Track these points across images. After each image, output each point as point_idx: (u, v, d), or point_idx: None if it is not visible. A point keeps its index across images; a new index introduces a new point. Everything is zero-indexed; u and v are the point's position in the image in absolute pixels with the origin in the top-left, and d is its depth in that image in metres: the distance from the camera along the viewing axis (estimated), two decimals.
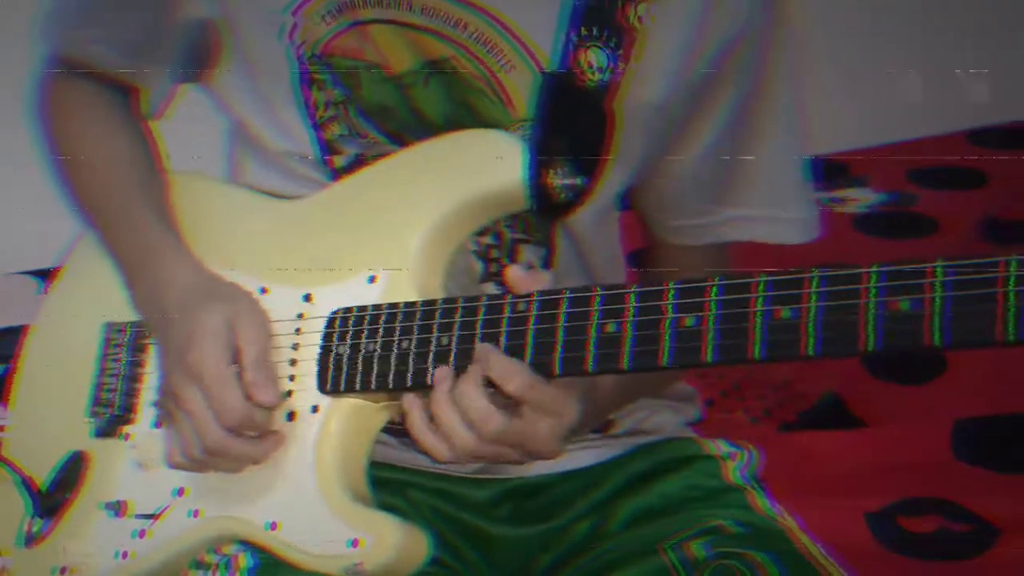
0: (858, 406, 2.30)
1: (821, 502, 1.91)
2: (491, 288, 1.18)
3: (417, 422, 1.03)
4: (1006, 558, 1.89)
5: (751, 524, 1.18)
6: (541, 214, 1.16)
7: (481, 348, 1.01)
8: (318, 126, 1.17)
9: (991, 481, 2.06)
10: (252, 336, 1.09)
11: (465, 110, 1.15)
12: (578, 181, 1.15)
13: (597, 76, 1.13)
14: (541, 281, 1.01)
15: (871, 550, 1.92)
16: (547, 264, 1.21)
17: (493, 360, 0.99)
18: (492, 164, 1.07)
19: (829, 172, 3.15)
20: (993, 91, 3.27)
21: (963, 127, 3.38)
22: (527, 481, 1.24)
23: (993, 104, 3.33)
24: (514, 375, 0.99)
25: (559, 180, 1.14)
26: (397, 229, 1.10)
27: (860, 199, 3.13)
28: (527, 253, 1.20)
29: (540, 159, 1.11)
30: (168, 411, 1.13)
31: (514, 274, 1.02)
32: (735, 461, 1.27)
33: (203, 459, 1.09)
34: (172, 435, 1.12)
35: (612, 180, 1.18)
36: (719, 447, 1.28)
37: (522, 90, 1.14)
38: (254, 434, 1.08)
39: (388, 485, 1.15)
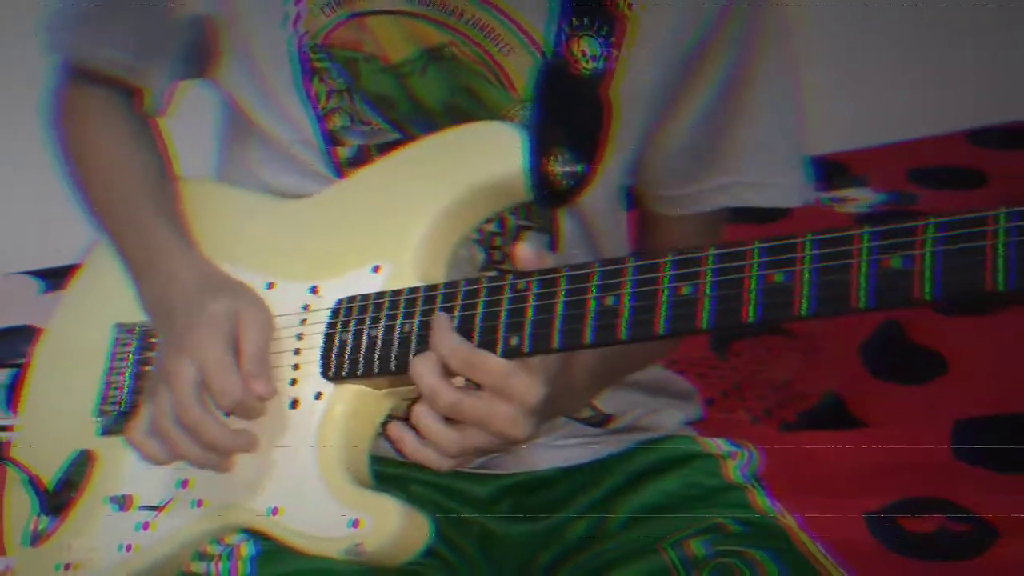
0: (858, 406, 2.30)
1: (821, 502, 1.91)
2: None
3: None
4: (1006, 558, 1.89)
5: (751, 523, 1.18)
6: (543, 203, 1.17)
7: (436, 322, 1.02)
8: (321, 118, 1.18)
9: (991, 481, 2.07)
10: (253, 331, 1.10)
11: (465, 95, 1.16)
12: (579, 168, 1.16)
13: (591, 64, 1.14)
14: (546, 263, 1.02)
15: (871, 550, 1.93)
16: (551, 250, 1.21)
17: (440, 336, 1.01)
18: (492, 155, 1.08)
19: (829, 172, 3.16)
20: (993, 91, 3.28)
21: (963, 127, 3.38)
22: (528, 477, 1.25)
23: (993, 104, 3.34)
24: (455, 352, 1.00)
25: (559, 168, 1.14)
26: (400, 223, 1.10)
27: (860, 199, 3.13)
28: (530, 239, 1.20)
29: (540, 148, 1.12)
30: (152, 387, 1.13)
31: (523, 252, 1.03)
32: (735, 460, 1.27)
33: (172, 436, 1.08)
34: (144, 411, 1.12)
35: (612, 164, 1.19)
36: (719, 446, 1.28)
37: (522, 72, 1.15)
38: (228, 428, 1.08)
39: (389, 480, 1.15)
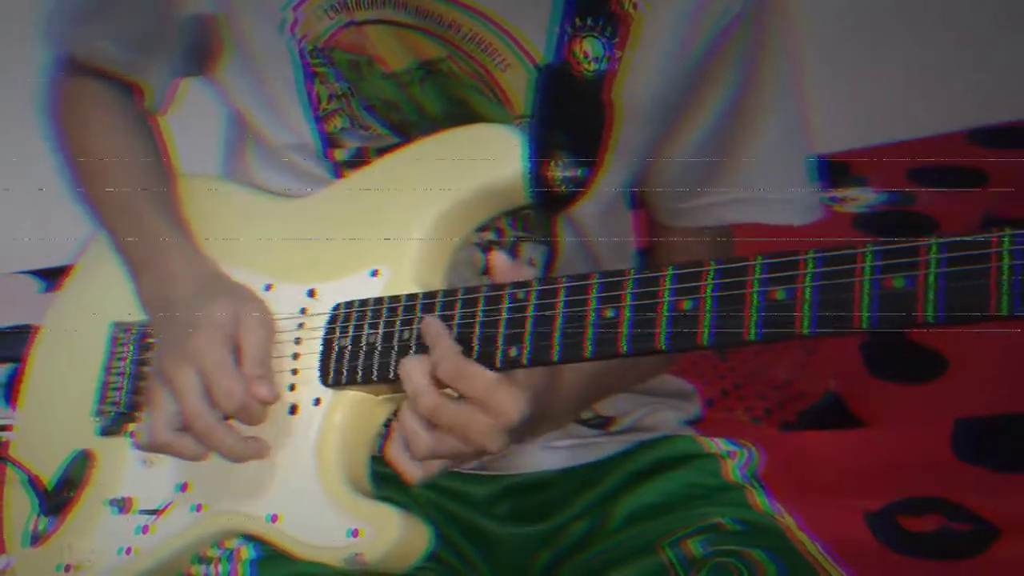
0: (858, 406, 2.30)
1: (821, 501, 1.91)
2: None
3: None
4: (1006, 558, 1.89)
5: (750, 522, 1.18)
6: (542, 208, 1.16)
7: (429, 325, 1.01)
8: (320, 119, 1.18)
9: (991, 481, 2.07)
10: (255, 335, 1.10)
11: (462, 108, 1.15)
12: (579, 173, 1.15)
13: (593, 66, 1.13)
14: (524, 274, 1.01)
15: (871, 550, 1.93)
16: (549, 261, 1.21)
17: (434, 340, 1.00)
18: (492, 159, 1.07)
19: (829, 171, 3.15)
20: (993, 91, 3.28)
21: (963, 127, 3.38)
22: (526, 478, 1.25)
23: (993, 104, 3.34)
24: (446, 357, 0.99)
25: (560, 172, 1.14)
26: (399, 225, 1.10)
27: (860, 198, 3.13)
28: (528, 251, 1.20)
29: (540, 152, 1.11)
30: (152, 391, 1.12)
31: (498, 261, 1.02)
32: (735, 459, 1.27)
33: (178, 444, 1.08)
34: (147, 416, 1.11)
35: (614, 170, 1.18)
36: (719, 445, 1.28)
37: (518, 88, 1.14)
38: (240, 434, 1.08)
39: (389, 480, 1.15)
